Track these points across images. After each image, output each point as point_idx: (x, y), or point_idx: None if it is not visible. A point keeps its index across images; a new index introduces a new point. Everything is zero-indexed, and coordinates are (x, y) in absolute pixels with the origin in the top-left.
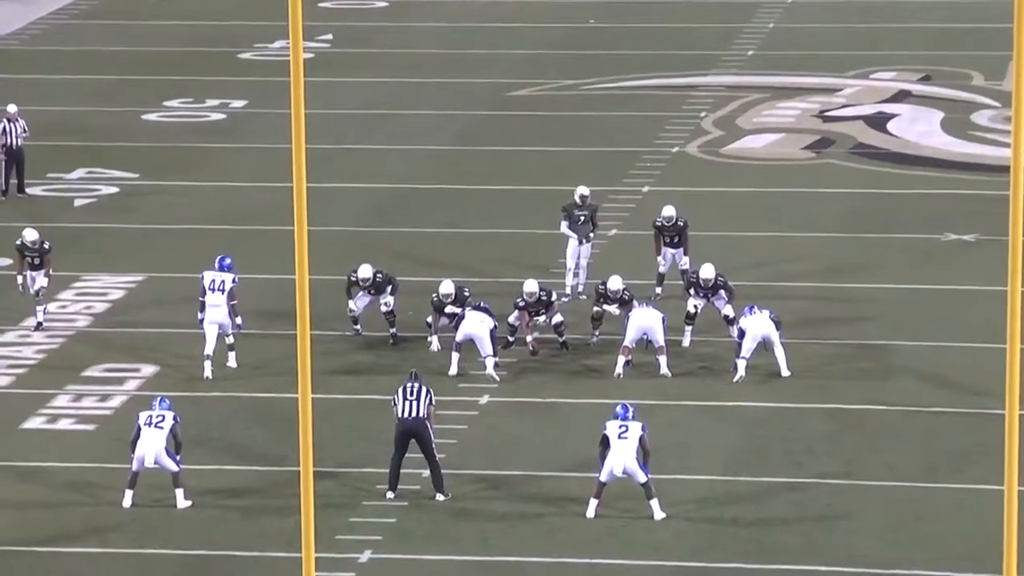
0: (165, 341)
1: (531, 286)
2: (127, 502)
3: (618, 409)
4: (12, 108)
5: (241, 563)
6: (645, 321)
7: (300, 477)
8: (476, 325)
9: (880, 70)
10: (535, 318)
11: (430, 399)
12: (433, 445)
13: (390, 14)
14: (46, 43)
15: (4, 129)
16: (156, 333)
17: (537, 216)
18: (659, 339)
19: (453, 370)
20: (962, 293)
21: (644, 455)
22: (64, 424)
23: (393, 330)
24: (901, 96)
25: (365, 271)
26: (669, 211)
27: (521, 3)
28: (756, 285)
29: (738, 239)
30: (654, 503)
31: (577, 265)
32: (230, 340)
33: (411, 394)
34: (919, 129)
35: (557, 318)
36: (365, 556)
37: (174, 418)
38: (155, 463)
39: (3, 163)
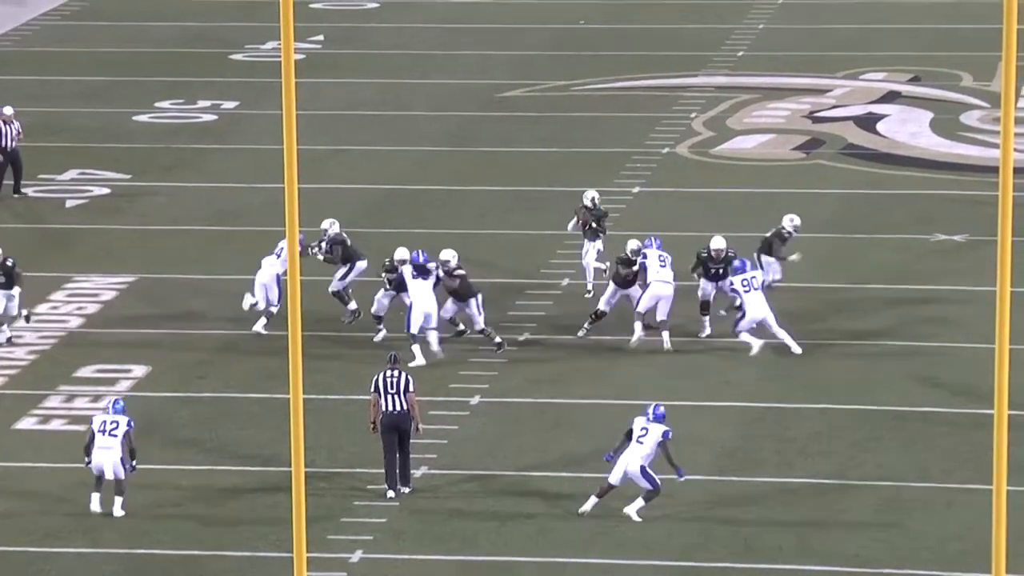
0: (156, 341)
1: (447, 253)
2: (95, 506)
3: (649, 408)
4: (8, 110)
5: (233, 563)
6: (662, 291)
7: (292, 477)
8: (428, 302)
9: (870, 71)
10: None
11: (409, 386)
12: (411, 440)
13: (381, 15)
14: (38, 44)
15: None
16: (147, 334)
17: (528, 216)
18: (664, 313)
19: (420, 361)
20: (951, 293)
21: (667, 459)
22: (56, 424)
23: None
24: (891, 97)
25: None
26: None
27: (511, 4)
28: None
29: (729, 239)
30: (636, 503)
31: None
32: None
33: (392, 387)
34: (909, 130)
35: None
36: (356, 556)
37: (128, 423)
38: (112, 475)
39: (3, 166)
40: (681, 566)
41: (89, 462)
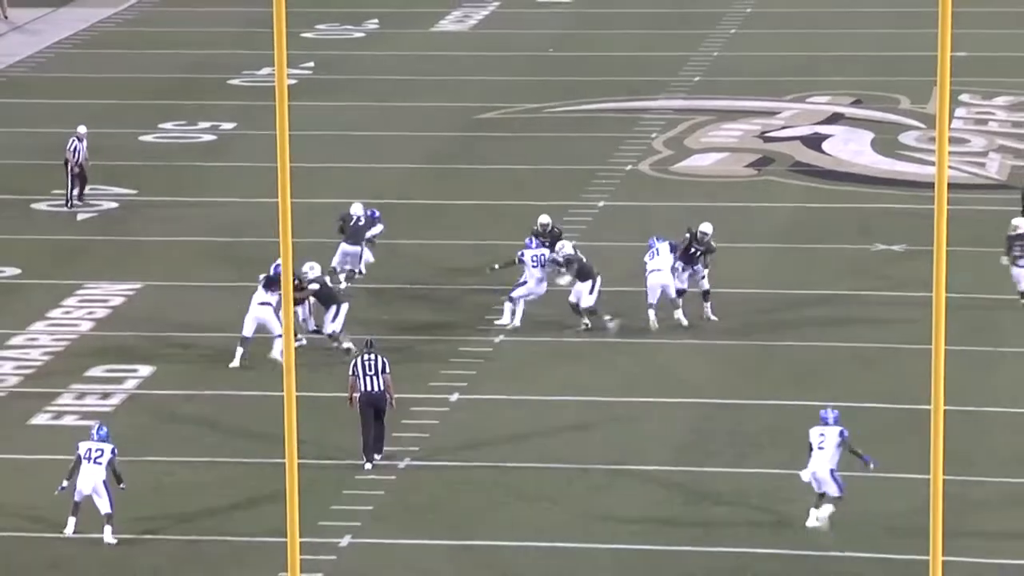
0: (160, 343)
1: (307, 265)
2: (69, 529)
3: (822, 413)
4: (82, 129)
5: (232, 547)
6: (656, 280)
7: (285, 468)
8: (262, 309)
9: (816, 95)
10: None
11: (385, 368)
12: (386, 415)
13: (368, 43)
14: (52, 70)
15: (74, 148)
16: (152, 336)
17: (502, 228)
18: (671, 292)
19: (235, 363)
20: (892, 298)
21: (853, 453)
22: (68, 420)
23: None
24: (835, 118)
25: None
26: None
27: (487, 34)
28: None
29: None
30: (825, 508)
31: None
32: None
33: (371, 369)
34: (851, 148)
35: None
36: (345, 540)
37: (112, 451)
38: (93, 494)
39: (77, 177)
40: (642, 549)
41: (63, 487)
